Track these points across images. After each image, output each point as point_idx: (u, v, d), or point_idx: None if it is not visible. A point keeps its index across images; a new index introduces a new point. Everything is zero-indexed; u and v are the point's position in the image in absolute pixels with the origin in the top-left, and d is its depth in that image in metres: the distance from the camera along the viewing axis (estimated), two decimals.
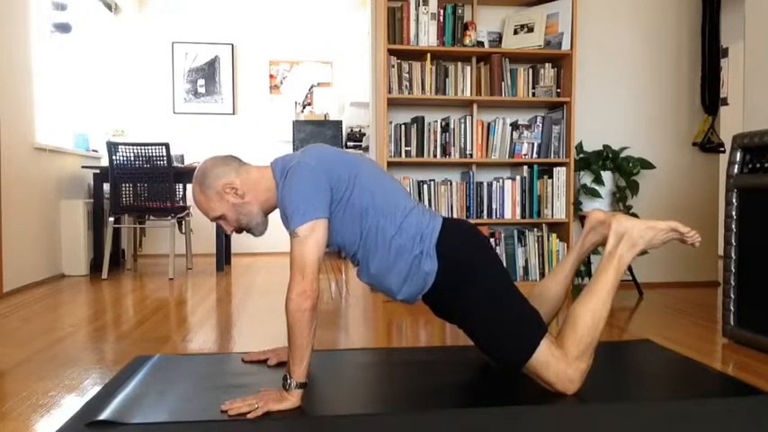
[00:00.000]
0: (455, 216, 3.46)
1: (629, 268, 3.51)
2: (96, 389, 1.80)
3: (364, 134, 5.92)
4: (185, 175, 4.57)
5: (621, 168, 3.64)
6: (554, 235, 3.55)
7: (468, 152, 3.47)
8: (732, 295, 2.35)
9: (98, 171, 4.56)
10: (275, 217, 1.80)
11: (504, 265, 3.46)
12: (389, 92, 3.36)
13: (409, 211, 1.77)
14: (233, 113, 6.10)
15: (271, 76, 6.16)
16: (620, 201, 3.67)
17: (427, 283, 1.75)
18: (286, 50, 6.16)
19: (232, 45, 6.07)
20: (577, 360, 1.67)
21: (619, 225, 1.82)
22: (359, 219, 1.72)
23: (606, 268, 1.78)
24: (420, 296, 1.79)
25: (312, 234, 1.60)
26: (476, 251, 1.77)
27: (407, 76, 3.39)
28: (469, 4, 3.56)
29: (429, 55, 3.39)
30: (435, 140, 3.45)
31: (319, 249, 1.61)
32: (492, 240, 3.50)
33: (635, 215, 3.69)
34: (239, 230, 1.83)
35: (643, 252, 1.86)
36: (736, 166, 2.35)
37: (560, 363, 1.66)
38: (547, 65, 3.52)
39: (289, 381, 1.59)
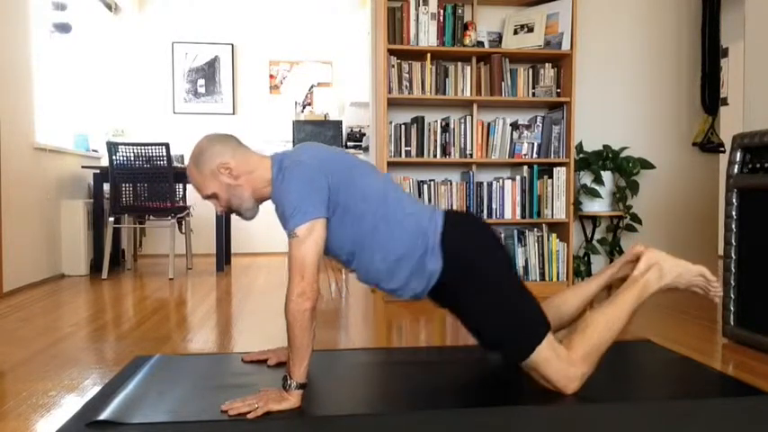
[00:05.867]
0: None
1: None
2: (96, 389, 1.80)
3: (364, 134, 5.92)
4: (185, 175, 4.56)
5: (621, 168, 3.64)
6: (554, 235, 3.55)
7: (468, 152, 3.47)
8: (732, 295, 2.35)
9: (98, 171, 4.56)
10: (272, 217, 1.79)
11: None
12: (389, 92, 3.36)
13: (409, 211, 1.75)
14: (233, 113, 6.10)
15: (271, 76, 6.16)
16: (620, 201, 3.67)
17: (431, 282, 1.73)
18: (286, 50, 6.16)
19: (232, 45, 6.07)
20: (581, 361, 1.68)
21: (652, 255, 1.87)
22: (356, 222, 1.70)
23: (630, 288, 1.80)
24: (426, 292, 1.78)
25: (311, 234, 1.58)
26: (482, 245, 1.76)
27: (407, 76, 3.39)
28: (469, 4, 3.56)
29: (429, 55, 3.39)
30: (435, 140, 3.44)
31: (318, 249, 1.60)
32: None
33: (635, 216, 3.70)
34: (230, 211, 1.81)
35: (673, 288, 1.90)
36: (736, 166, 2.35)
37: (562, 361, 1.66)
38: (547, 65, 3.52)
39: (289, 381, 1.59)
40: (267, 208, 1.84)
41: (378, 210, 1.71)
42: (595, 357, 1.70)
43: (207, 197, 1.77)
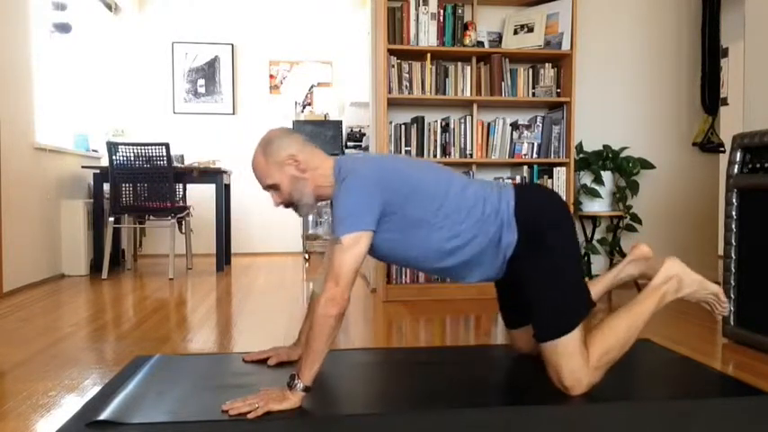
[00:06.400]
0: None
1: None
2: (96, 389, 1.81)
3: (364, 134, 5.91)
4: (185, 174, 4.57)
5: (621, 168, 3.64)
6: None
7: (468, 152, 3.47)
8: (732, 295, 2.35)
9: (98, 171, 4.56)
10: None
11: None
12: (389, 92, 3.36)
13: (471, 203, 1.74)
14: (233, 113, 6.10)
15: (271, 76, 6.16)
16: (620, 201, 3.67)
17: (507, 254, 1.75)
18: (286, 50, 6.16)
19: (232, 45, 6.07)
20: (594, 369, 1.68)
21: (673, 265, 1.88)
22: (415, 228, 1.71)
23: (650, 297, 1.82)
24: (503, 269, 1.78)
25: (356, 245, 1.60)
26: (553, 216, 1.76)
27: (407, 76, 3.39)
28: (469, 4, 3.56)
29: (429, 55, 3.39)
30: (435, 140, 3.45)
31: (359, 261, 1.61)
32: None
33: (635, 216, 3.70)
34: (287, 205, 1.81)
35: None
36: (736, 166, 2.35)
37: (581, 360, 1.66)
38: (547, 65, 3.52)
39: (296, 381, 1.58)
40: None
41: (439, 211, 1.72)
42: (607, 367, 1.72)
43: (267, 187, 1.79)
